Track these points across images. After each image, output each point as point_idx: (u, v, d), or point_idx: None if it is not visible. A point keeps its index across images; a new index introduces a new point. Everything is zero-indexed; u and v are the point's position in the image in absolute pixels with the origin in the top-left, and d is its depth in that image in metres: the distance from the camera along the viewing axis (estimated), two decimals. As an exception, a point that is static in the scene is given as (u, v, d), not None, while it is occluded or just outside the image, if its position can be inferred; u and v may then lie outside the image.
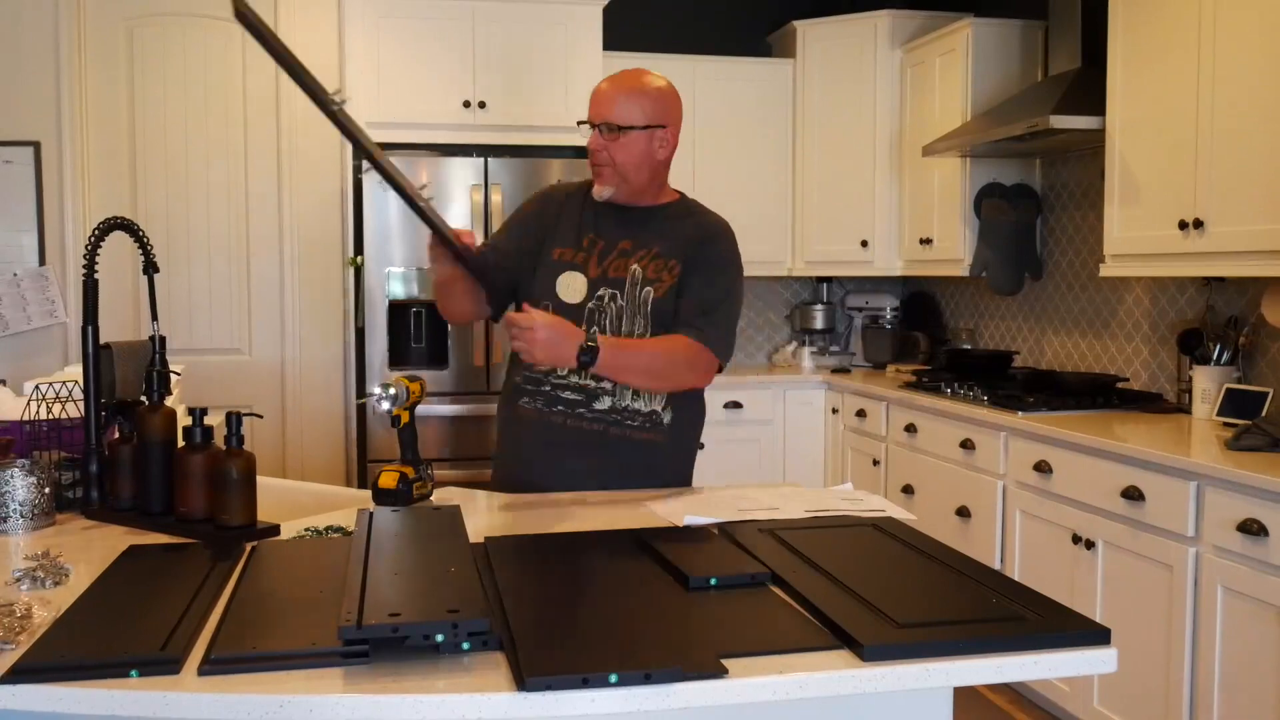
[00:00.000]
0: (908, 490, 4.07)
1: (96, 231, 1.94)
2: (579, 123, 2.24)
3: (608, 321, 2.20)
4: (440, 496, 2.09)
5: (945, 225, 4.46)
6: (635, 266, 2.23)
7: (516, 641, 1.22)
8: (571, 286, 2.22)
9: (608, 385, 2.20)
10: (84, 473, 1.93)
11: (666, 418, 2.25)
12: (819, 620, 1.33)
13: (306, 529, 1.80)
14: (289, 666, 1.18)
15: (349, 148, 4.45)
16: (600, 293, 2.21)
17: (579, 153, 4.63)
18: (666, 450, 2.27)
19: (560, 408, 2.21)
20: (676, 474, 2.30)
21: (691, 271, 2.23)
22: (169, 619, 1.29)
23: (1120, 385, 3.73)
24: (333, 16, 4.59)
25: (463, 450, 4.28)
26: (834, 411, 4.74)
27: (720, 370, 2.26)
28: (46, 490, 1.84)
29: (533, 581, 1.48)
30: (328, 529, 1.80)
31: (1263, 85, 2.82)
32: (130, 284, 4.53)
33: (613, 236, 2.25)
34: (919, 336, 5.04)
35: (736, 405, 4.73)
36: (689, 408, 2.32)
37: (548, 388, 2.21)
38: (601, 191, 2.23)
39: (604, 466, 2.19)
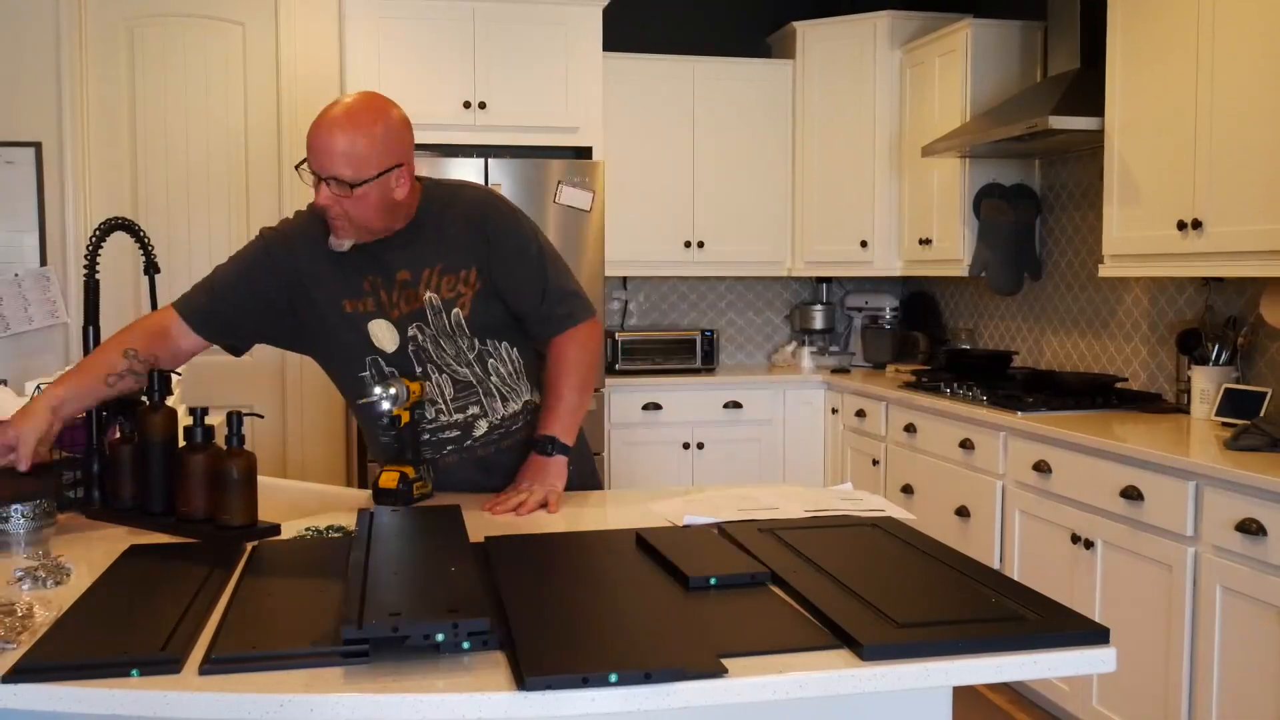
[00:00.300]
0: (907, 490, 4.08)
1: (98, 232, 1.95)
2: (297, 166, 1.94)
3: (433, 354, 2.09)
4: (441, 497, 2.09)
5: (945, 225, 4.46)
6: (428, 294, 2.06)
7: (516, 641, 1.22)
8: (384, 336, 2.07)
9: (475, 410, 2.12)
10: (85, 473, 1.94)
11: (536, 398, 2.18)
12: (819, 620, 1.33)
13: (307, 529, 1.80)
14: (289, 666, 1.18)
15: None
16: (411, 332, 2.07)
17: (579, 153, 4.64)
18: (528, 433, 2.17)
19: (449, 448, 2.13)
20: (579, 449, 2.21)
21: (499, 268, 2.08)
22: (170, 619, 1.29)
23: (1119, 385, 3.73)
24: (333, 16, 4.59)
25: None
26: (834, 411, 4.74)
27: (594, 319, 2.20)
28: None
29: (533, 581, 1.48)
30: (328, 529, 1.80)
31: (1262, 85, 2.82)
32: (131, 284, 4.52)
33: (385, 271, 2.05)
34: (918, 336, 5.04)
35: (736, 405, 4.73)
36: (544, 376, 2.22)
37: (428, 435, 2.11)
38: (340, 244, 2.00)
39: (509, 478, 2.09)
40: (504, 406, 2.14)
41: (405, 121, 1.99)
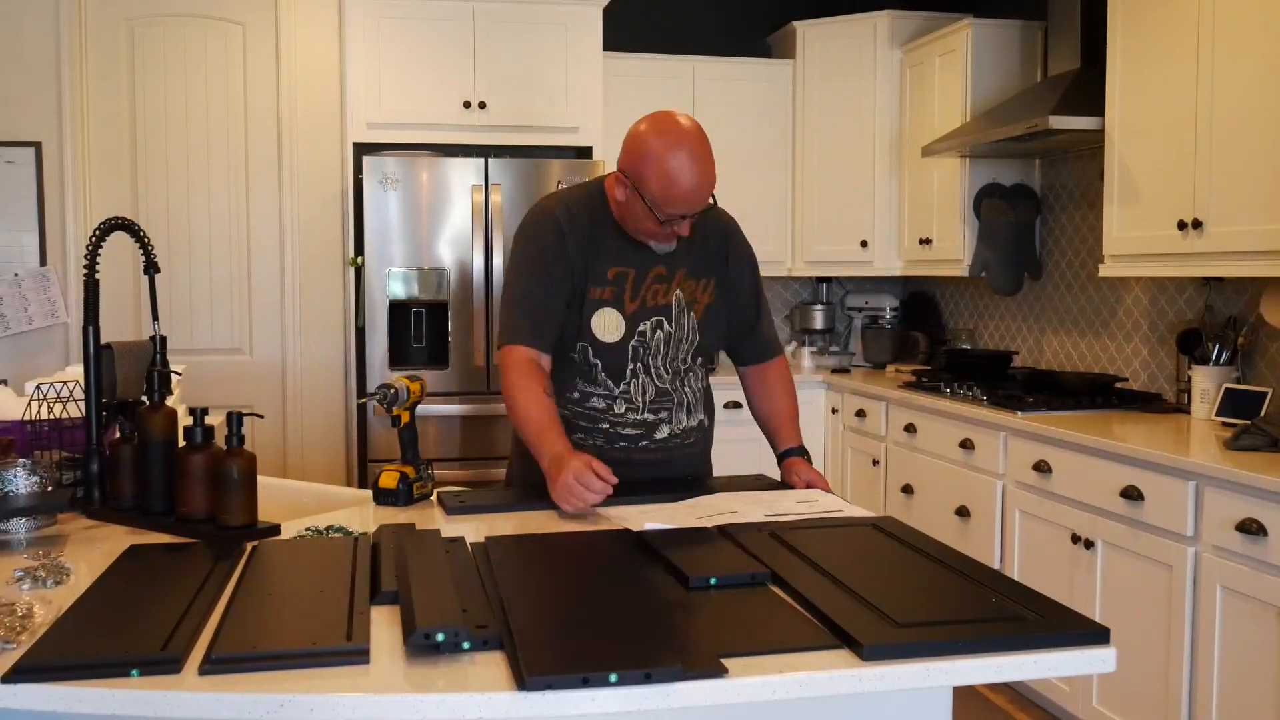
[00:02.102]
0: (907, 490, 4.08)
1: (97, 232, 1.94)
2: (663, 221, 2.05)
3: (652, 354, 2.18)
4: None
5: (945, 225, 4.46)
6: (678, 291, 2.20)
7: (516, 641, 1.22)
8: (607, 325, 2.14)
9: (665, 414, 2.21)
10: (85, 472, 1.94)
11: (706, 420, 2.33)
12: (819, 620, 1.33)
13: (307, 529, 1.80)
14: (290, 666, 1.18)
15: (350, 148, 4.46)
16: (642, 327, 2.16)
17: (579, 153, 4.64)
18: (706, 447, 2.34)
19: (622, 444, 2.19)
20: (707, 464, 2.39)
21: (733, 284, 2.29)
22: (170, 618, 1.29)
23: (1119, 385, 3.73)
24: (333, 16, 4.59)
25: (463, 450, 4.28)
26: (834, 411, 4.74)
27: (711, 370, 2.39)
28: (48, 490, 1.84)
29: (533, 581, 1.48)
30: (328, 529, 1.80)
31: (1262, 85, 2.82)
32: (131, 284, 4.53)
33: (640, 264, 2.16)
34: (918, 336, 5.04)
35: (736, 405, 4.72)
36: (712, 411, 2.38)
37: (605, 425, 2.18)
38: (670, 246, 2.15)
39: (658, 485, 2.14)
40: (687, 419, 2.25)
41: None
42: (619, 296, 2.15)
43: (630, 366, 2.17)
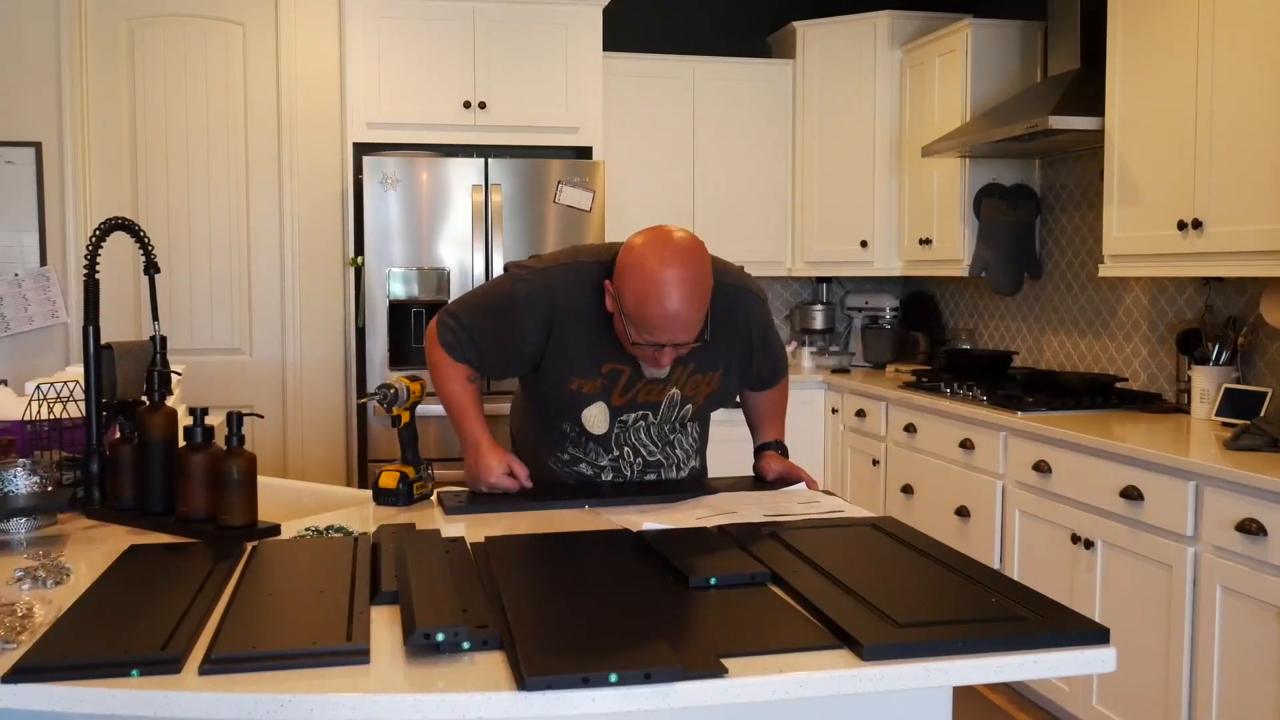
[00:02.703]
0: (907, 490, 4.08)
1: (97, 232, 1.94)
2: (632, 342, 1.92)
3: (633, 439, 2.17)
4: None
5: (945, 225, 4.46)
6: (673, 391, 2.11)
7: (516, 641, 1.22)
8: (597, 420, 2.11)
9: (654, 475, 2.21)
10: (85, 472, 1.94)
11: (698, 463, 2.34)
12: (819, 620, 1.33)
13: (307, 529, 1.80)
14: (290, 666, 1.18)
15: (350, 148, 4.46)
16: (624, 418, 2.13)
17: (579, 153, 4.64)
18: (698, 476, 2.35)
19: (609, 476, 2.21)
20: (697, 473, 2.38)
21: (752, 360, 2.20)
22: (170, 618, 1.29)
23: (1119, 385, 3.73)
24: (333, 16, 4.59)
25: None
26: (834, 411, 4.74)
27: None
28: (48, 490, 1.84)
29: (533, 581, 1.48)
30: (328, 528, 1.80)
31: (1262, 85, 2.82)
32: (131, 284, 4.53)
33: (636, 364, 2.04)
34: (918, 336, 5.04)
35: (736, 405, 4.72)
36: (705, 439, 2.38)
37: (605, 463, 2.20)
38: (661, 372, 2.02)
39: (657, 486, 2.20)
40: (677, 472, 2.26)
41: (702, 244, 1.94)
42: (608, 390, 2.08)
43: (614, 453, 2.19)
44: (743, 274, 2.19)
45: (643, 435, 2.18)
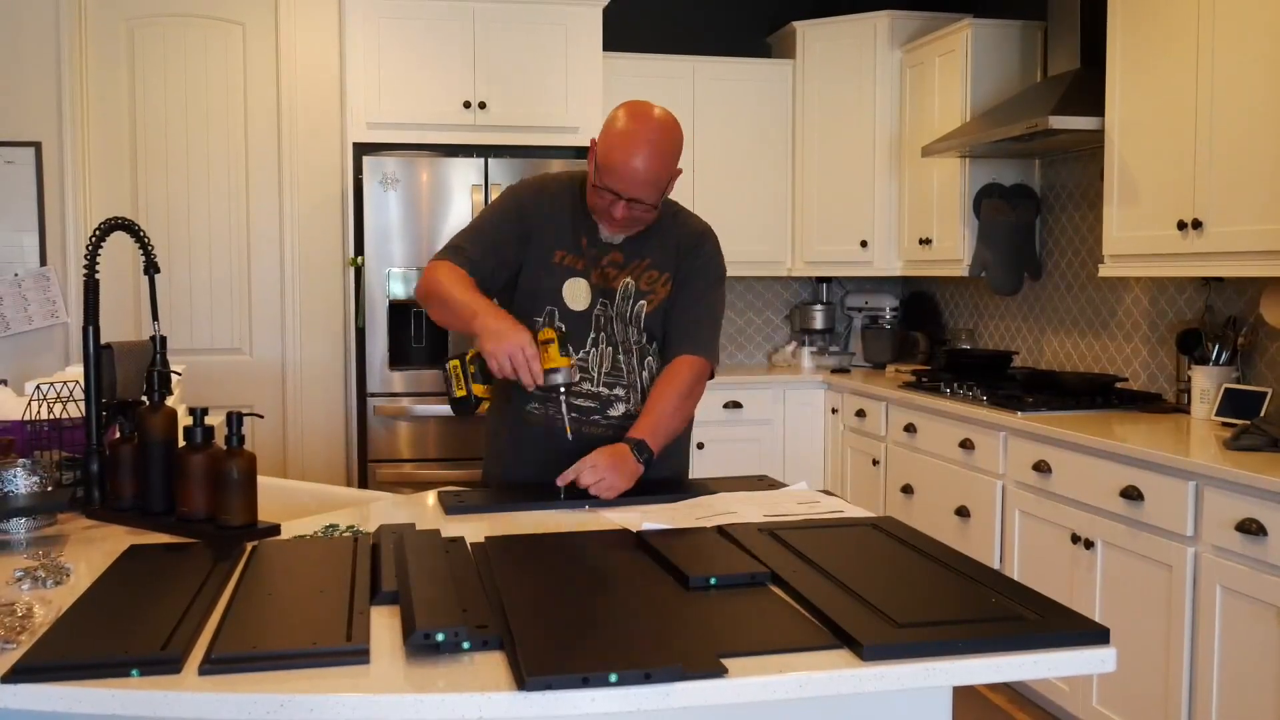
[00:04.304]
0: (907, 490, 4.08)
1: (97, 232, 1.94)
2: (594, 185, 2.12)
3: (609, 326, 2.23)
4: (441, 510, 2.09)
5: (944, 225, 4.46)
6: (628, 279, 2.24)
7: (516, 641, 1.22)
8: (576, 294, 2.22)
9: (620, 392, 2.24)
10: (85, 472, 1.94)
11: None
12: (819, 620, 1.33)
13: (327, 526, 1.80)
14: (289, 666, 1.18)
15: (349, 148, 4.45)
16: (602, 300, 2.23)
17: (579, 153, 4.64)
18: (669, 448, 2.27)
19: (575, 415, 2.18)
20: (676, 469, 2.34)
21: (682, 283, 2.26)
22: (170, 618, 1.29)
23: (1119, 385, 3.73)
24: (333, 16, 4.59)
25: (463, 451, 4.28)
26: (834, 411, 4.74)
27: (711, 376, 2.32)
28: (48, 490, 1.84)
29: (533, 581, 1.48)
30: (328, 528, 1.80)
31: (1262, 85, 2.82)
32: (131, 284, 4.53)
33: (602, 246, 2.24)
34: (918, 336, 5.04)
35: (736, 405, 4.73)
36: None
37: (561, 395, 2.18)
38: (614, 237, 2.22)
39: (656, 486, 2.14)
40: (643, 401, 2.25)
41: (681, 130, 2.17)
42: (587, 269, 2.22)
43: (592, 335, 2.23)
44: (710, 230, 2.37)
45: (617, 333, 2.23)
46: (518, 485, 2.23)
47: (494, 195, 4.26)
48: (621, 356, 2.25)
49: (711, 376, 2.31)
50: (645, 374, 2.28)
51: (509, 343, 1.97)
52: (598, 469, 2.03)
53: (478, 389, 2.09)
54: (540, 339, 2.02)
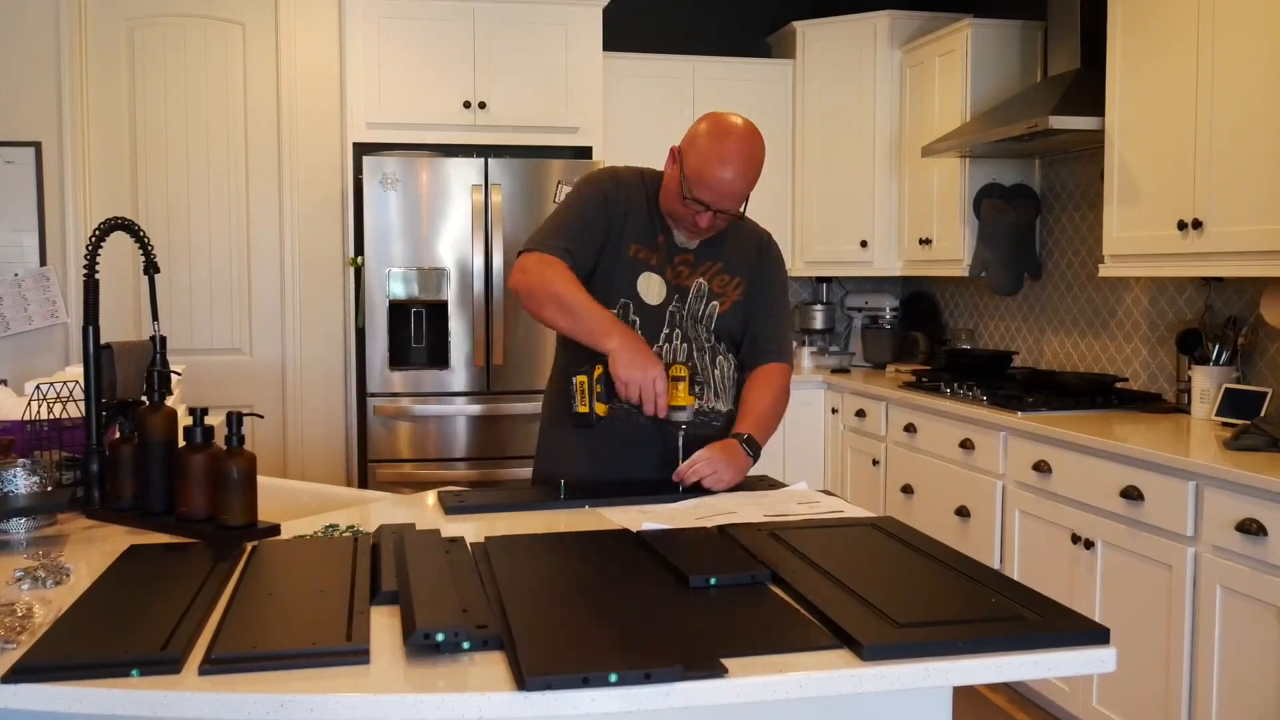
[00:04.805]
0: (907, 490, 4.08)
1: (97, 232, 1.94)
2: (686, 198, 2.13)
3: (682, 323, 2.26)
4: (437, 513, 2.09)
5: (944, 225, 4.46)
6: (700, 280, 2.27)
7: (516, 641, 1.22)
8: (651, 288, 2.25)
9: (696, 390, 2.24)
10: (85, 472, 1.94)
11: (734, 411, 2.34)
12: (819, 620, 1.33)
13: (328, 526, 1.80)
14: (289, 666, 1.18)
15: (349, 148, 4.46)
16: (675, 297, 2.25)
17: (579, 153, 4.64)
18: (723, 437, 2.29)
19: (683, 431, 2.18)
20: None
21: (757, 289, 2.32)
22: (170, 618, 1.29)
23: (1119, 385, 3.73)
24: (333, 16, 4.59)
25: (464, 451, 4.28)
26: (834, 411, 4.74)
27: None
28: (48, 490, 1.84)
29: (533, 581, 1.48)
30: (328, 528, 1.80)
31: (1262, 85, 2.82)
32: (131, 284, 4.53)
33: (677, 246, 2.27)
34: (918, 336, 5.04)
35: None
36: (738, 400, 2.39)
37: (680, 430, 2.20)
38: (690, 242, 2.25)
39: (673, 460, 2.15)
40: (715, 400, 2.29)
41: (763, 138, 2.21)
42: (662, 264, 2.25)
43: (665, 330, 2.25)
44: (769, 234, 2.44)
45: (691, 331, 2.25)
46: (571, 483, 2.14)
47: (494, 195, 4.26)
48: (695, 354, 2.27)
49: None
50: (716, 373, 2.30)
51: (644, 374, 2.04)
52: (712, 461, 2.10)
53: (600, 408, 2.10)
54: (671, 374, 2.08)
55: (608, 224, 2.24)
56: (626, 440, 2.23)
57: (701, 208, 2.14)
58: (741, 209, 2.20)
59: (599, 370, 2.08)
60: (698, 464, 2.09)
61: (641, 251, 2.25)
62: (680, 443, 2.12)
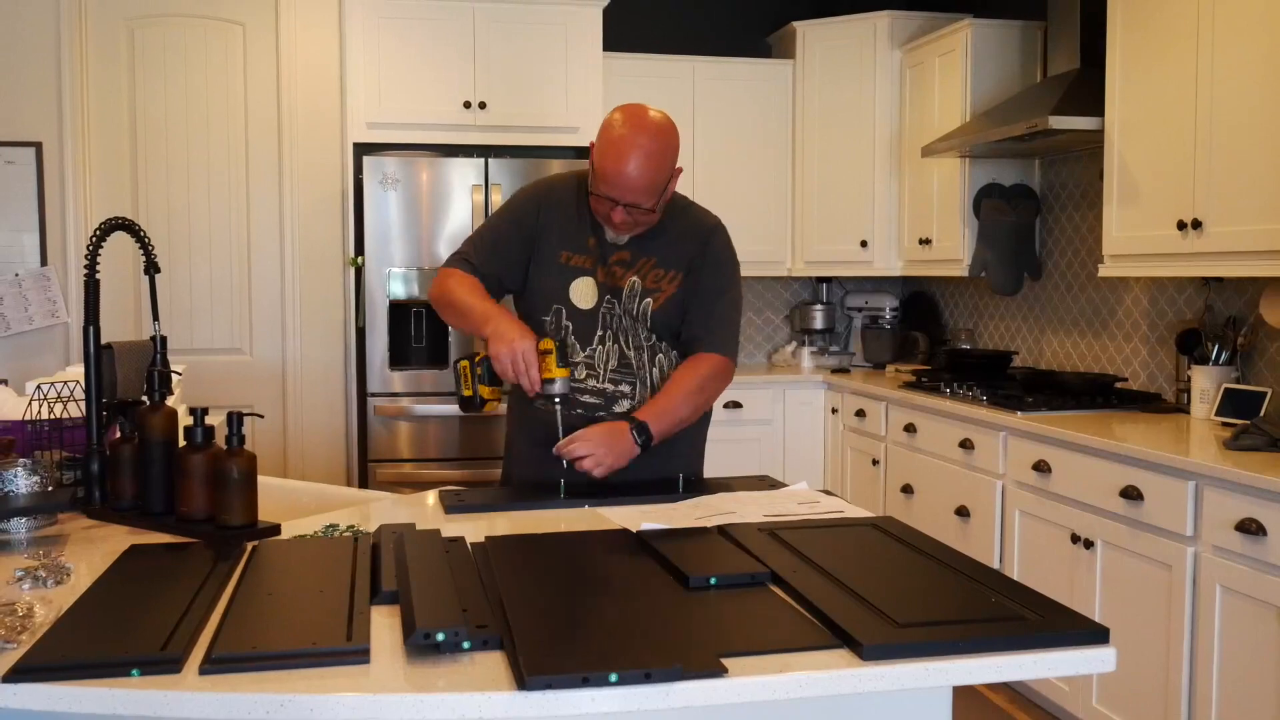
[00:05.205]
0: (907, 490, 4.08)
1: (98, 232, 1.94)
2: (591, 193, 2.15)
3: (615, 324, 2.24)
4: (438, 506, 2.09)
5: (944, 225, 4.46)
6: (634, 278, 2.25)
7: (516, 641, 1.22)
8: (584, 292, 2.24)
9: (627, 389, 2.25)
10: (85, 472, 1.94)
11: None
12: (819, 620, 1.33)
13: (328, 526, 1.80)
14: (289, 666, 1.18)
15: (349, 148, 4.46)
16: (608, 299, 2.24)
17: (579, 153, 4.64)
18: (679, 446, 2.28)
19: (579, 410, 2.22)
20: (688, 469, 2.32)
21: (695, 279, 2.26)
22: (170, 618, 1.29)
23: (1119, 385, 3.73)
24: (333, 16, 4.59)
25: (462, 450, 4.28)
26: (834, 411, 4.74)
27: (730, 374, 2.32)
28: (48, 490, 1.84)
29: (533, 581, 1.48)
30: (328, 528, 1.80)
31: (1262, 85, 2.82)
32: (131, 284, 4.53)
33: (610, 246, 2.25)
34: (918, 336, 5.04)
35: (736, 405, 4.73)
36: None
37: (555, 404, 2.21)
38: (620, 238, 2.23)
39: (652, 486, 2.15)
40: (644, 391, 2.27)
41: (676, 130, 2.17)
42: (594, 266, 2.24)
43: (599, 333, 2.24)
44: (720, 222, 2.34)
45: (625, 331, 2.24)
46: (524, 484, 2.24)
47: (494, 195, 4.26)
48: (631, 354, 2.26)
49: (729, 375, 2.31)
50: (656, 371, 2.29)
51: (510, 346, 2.04)
52: (591, 443, 2.06)
53: (484, 390, 2.14)
54: (540, 348, 2.06)
55: (527, 236, 2.25)
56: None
57: (610, 202, 2.11)
58: (653, 203, 2.13)
59: (480, 354, 2.13)
60: (575, 443, 2.07)
61: (574, 257, 2.24)
62: (559, 418, 2.10)
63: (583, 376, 2.23)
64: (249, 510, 1.76)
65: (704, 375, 2.23)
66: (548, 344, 2.06)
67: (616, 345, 2.25)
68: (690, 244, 2.27)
